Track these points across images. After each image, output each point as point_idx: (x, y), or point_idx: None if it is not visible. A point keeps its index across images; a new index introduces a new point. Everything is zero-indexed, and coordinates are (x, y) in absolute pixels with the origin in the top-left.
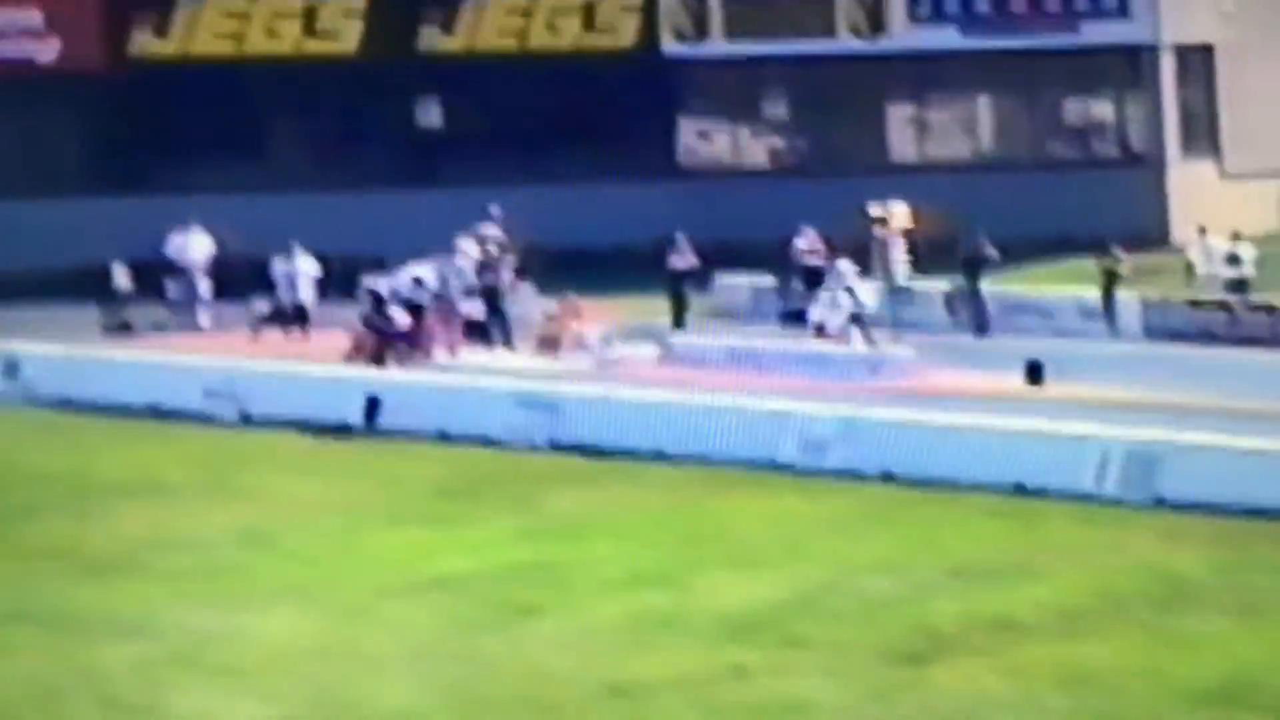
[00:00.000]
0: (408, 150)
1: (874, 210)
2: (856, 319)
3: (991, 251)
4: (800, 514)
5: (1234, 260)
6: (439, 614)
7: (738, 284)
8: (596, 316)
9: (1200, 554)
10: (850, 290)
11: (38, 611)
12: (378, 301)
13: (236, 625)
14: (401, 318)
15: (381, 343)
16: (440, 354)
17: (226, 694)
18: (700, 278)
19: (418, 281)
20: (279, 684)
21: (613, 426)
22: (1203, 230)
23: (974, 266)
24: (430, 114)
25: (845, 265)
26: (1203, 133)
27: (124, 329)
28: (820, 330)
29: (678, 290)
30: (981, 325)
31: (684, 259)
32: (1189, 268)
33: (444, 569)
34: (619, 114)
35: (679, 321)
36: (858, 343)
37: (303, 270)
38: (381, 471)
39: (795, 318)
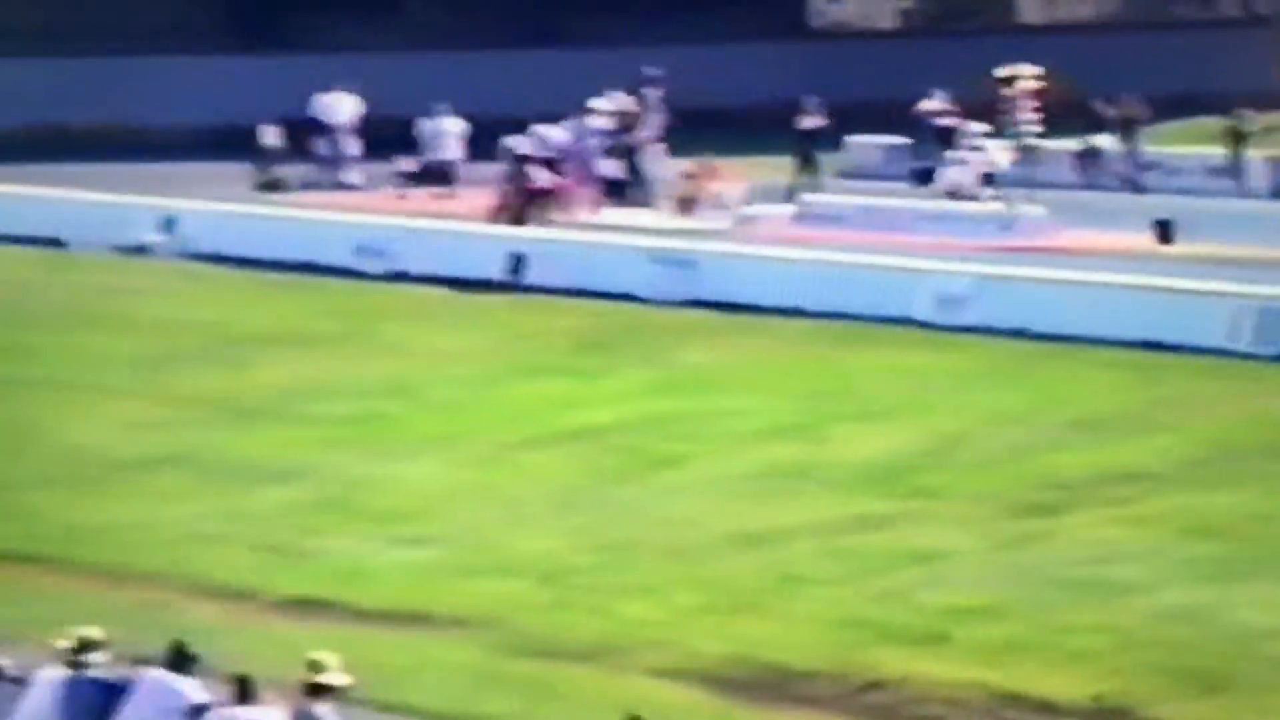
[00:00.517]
0: (544, 10)
1: (1002, 71)
2: (988, 178)
3: (1141, 110)
4: (932, 368)
5: None
6: (578, 463)
7: (868, 144)
8: (731, 176)
9: None
10: (981, 150)
11: (190, 457)
12: (520, 160)
13: (384, 472)
14: (543, 177)
15: (524, 201)
16: (581, 212)
17: (376, 538)
18: (829, 138)
19: (546, 142)
20: (426, 528)
21: (749, 283)
22: None
23: (1128, 127)
24: None
25: (975, 126)
26: None
27: (275, 186)
28: (953, 190)
29: (807, 151)
30: (1137, 183)
31: (813, 119)
32: None
33: (583, 420)
34: None
35: (809, 182)
36: (990, 202)
37: (448, 129)
38: (524, 325)
39: (926, 177)
